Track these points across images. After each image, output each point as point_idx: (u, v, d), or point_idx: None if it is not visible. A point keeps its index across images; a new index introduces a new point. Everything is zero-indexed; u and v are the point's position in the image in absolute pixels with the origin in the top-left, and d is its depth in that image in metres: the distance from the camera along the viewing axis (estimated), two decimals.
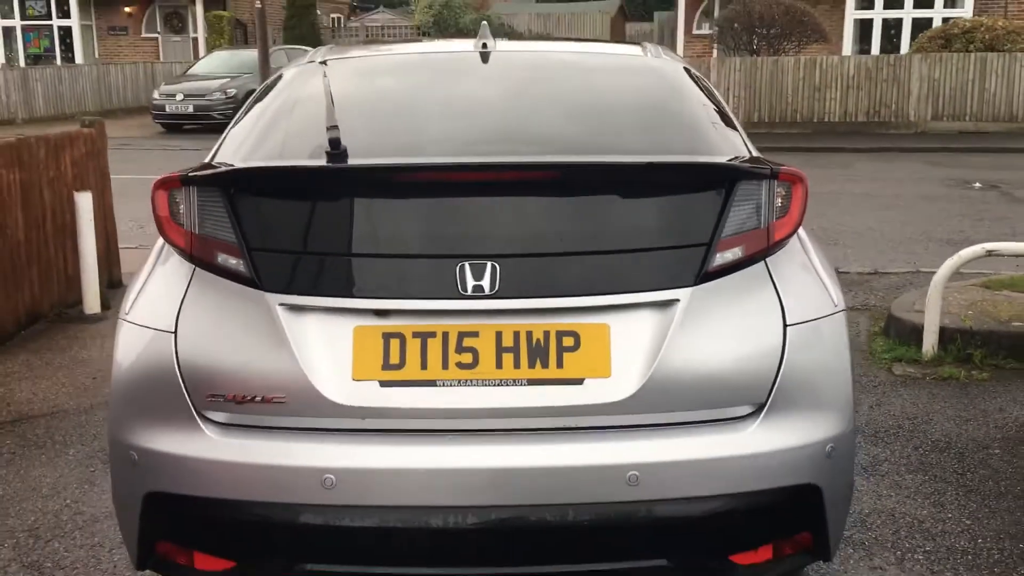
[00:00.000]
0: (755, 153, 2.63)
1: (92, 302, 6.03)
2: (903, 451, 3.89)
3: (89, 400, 4.60)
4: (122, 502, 2.39)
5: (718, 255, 2.27)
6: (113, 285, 6.52)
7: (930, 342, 4.97)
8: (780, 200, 2.34)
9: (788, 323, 2.30)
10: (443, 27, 28.94)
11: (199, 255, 2.29)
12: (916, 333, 5.09)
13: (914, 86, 16.83)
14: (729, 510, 2.25)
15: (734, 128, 2.77)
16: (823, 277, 2.48)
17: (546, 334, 2.22)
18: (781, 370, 2.27)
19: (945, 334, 5.00)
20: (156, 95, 20.20)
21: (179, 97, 19.71)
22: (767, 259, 2.34)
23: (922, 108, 16.87)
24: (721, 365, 2.25)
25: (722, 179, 2.31)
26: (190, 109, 19.58)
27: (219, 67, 20.98)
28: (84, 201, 5.92)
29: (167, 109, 19.73)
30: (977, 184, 11.02)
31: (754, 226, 2.31)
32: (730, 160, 2.45)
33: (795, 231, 2.39)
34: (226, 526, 2.27)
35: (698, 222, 2.28)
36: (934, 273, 4.96)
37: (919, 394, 4.53)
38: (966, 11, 22.52)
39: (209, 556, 2.32)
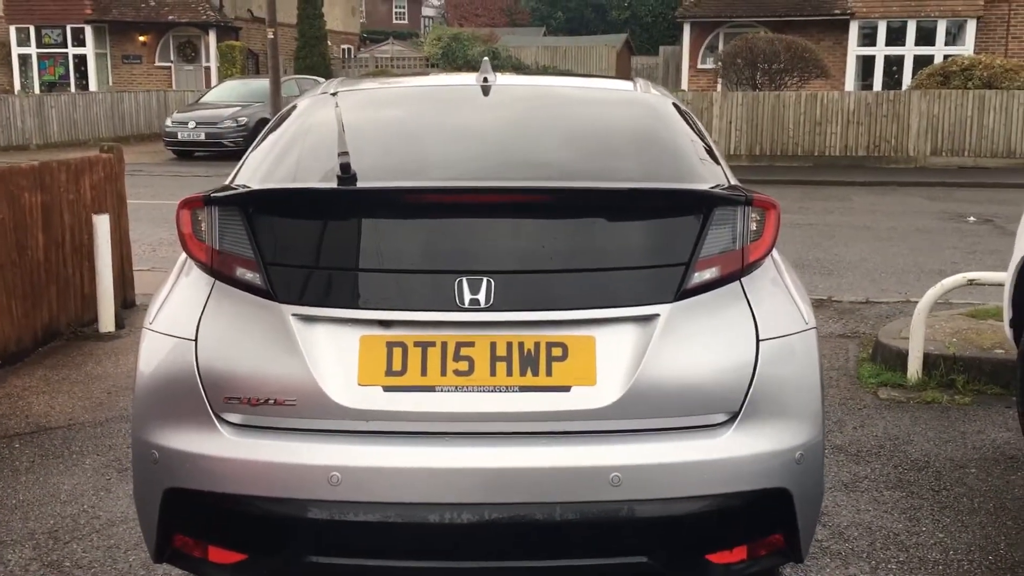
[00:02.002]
0: (733, 181, 2.83)
1: (107, 321, 6.24)
2: (883, 469, 4.05)
3: (104, 414, 4.78)
4: (143, 498, 2.57)
5: (696, 274, 2.47)
6: (127, 305, 6.73)
7: (915, 368, 5.14)
8: (755, 224, 2.54)
9: (761, 338, 2.49)
10: (451, 59, 29.34)
11: (219, 269, 2.49)
12: (902, 359, 5.27)
13: (913, 121, 17.08)
14: (705, 511, 2.42)
15: (715, 158, 2.97)
16: (795, 297, 2.67)
17: (536, 344, 2.41)
18: (754, 382, 2.46)
19: (929, 360, 5.17)
20: (168, 122, 20.53)
21: (191, 125, 20.03)
22: (742, 279, 2.53)
23: (921, 143, 17.11)
24: (698, 376, 2.43)
25: (701, 204, 2.51)
26: (202, 136, 19.91)
27: (231, 96, 21.33)
28: (102, 223, 6.14)
29: (179, 136, 20.05)
30: (971, 218, 11.20)
31: (730, 248, 2.51)
32: (709, 187, 2.65)
33: (768, 253, 2.58)
34: (239, 520, 2.45)
35: (678, 243, 2.48)
36: (919, 303, 5.14)
37: (902, 417, 4.70)
38: (967, 48, 22.85)
39: (223, 549, 2.49)
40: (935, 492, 3.83)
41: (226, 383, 2.42)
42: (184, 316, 2.53)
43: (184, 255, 2.65)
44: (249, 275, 2.46)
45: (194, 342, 2.46)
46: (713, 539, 2.49)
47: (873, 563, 3.25)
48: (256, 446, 2.40)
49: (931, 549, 3.35)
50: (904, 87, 21.19)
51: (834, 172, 16.21)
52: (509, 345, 2.40)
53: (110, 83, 29.24)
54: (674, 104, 3.27)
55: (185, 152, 20.16)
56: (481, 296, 2.39)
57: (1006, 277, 4.19)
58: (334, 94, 3.15)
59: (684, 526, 2.43)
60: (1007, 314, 4.19)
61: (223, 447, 2.40)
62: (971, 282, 5.04)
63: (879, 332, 5.78)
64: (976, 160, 16.90)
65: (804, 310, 2.65)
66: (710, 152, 3.01)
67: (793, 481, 2.49)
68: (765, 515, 2.51)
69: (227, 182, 2.83)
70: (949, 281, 5.09)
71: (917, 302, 5.15)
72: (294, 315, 2.42)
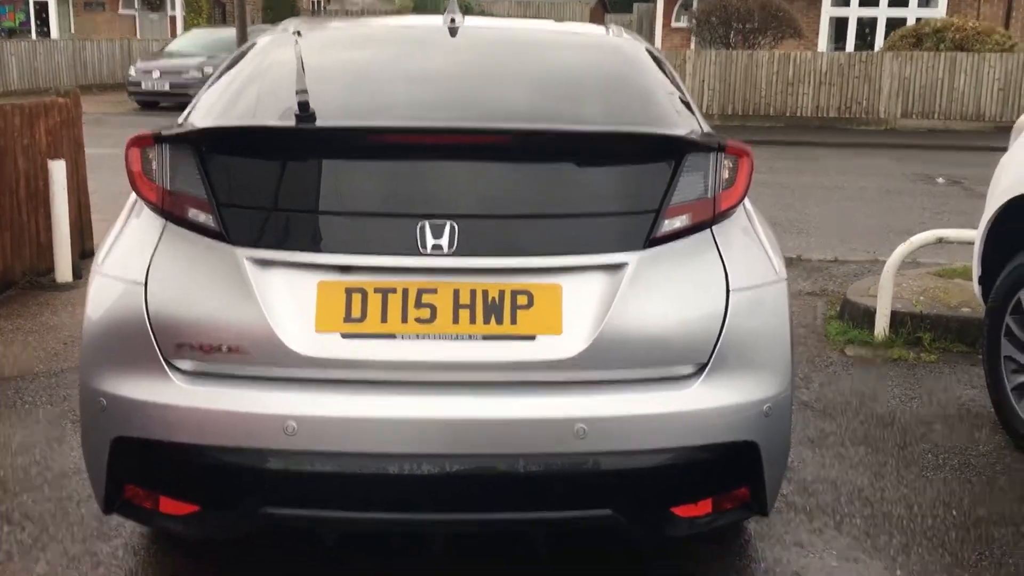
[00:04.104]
0: (707, 129, 2.75)
1: (64, 270, 6.08)
2: (849, 425, 4.04)
3: (59, 364, 4.66)
4: (90, 447, 2.48)
5: (666, 222, 2.40)
6: (85, 255, 6.56)
7: (882, 325, 5.13)
8: (727, 172, 2.47)
9: (731, 288, 2.44)
10: (424, 12, 28.93)
11: (170, 210, 2.39)
12: (869, 316, 5.26)
13: (885, 83, 17.08)
14: (671, 464, 2.38)
15: (688, 105, 2.89)
16: (767, 248, 2.61)
17: (501, 292, 2.34)
18: (723, 333, 2.40)
19: (897, 318, 5.16)
20: (132, 72, 20.11)
21: (156, 74, 19.63)
22: (713, 227, 2.47)
23: (892, 105, 17.13)
24: (666, 326, 2.38)
25: (672, 150, 2.44)
26: (166, 87, 19.51)
27: (196, 46, 20.89)
28: (58, 169, 5.96)
29: (143, 86, 19.65)
30: (940, 179, 11.25)
31: (701, 195, 2.44)
32: (682, 133, 2.57)
33: (740, 202, 2.52)
34: (191, 471, 2.37)
35: (648, 190, 2.41)
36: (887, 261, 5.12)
37: (869, 374, 4.69)
38: (940, 11, 22.85)
39: (174, 500, 2.42)
40: (900, 448, 3.82)
41: (177, 329, 2.33)
42: (134, 259, 2.42)
43: (134, 195, 2.54)
44: (202, 217, 2.36)
45: (143, 286, 2.36)
46: (679, 492, 2.46)
47: (838, 518, 3.24)
48: (209, 394, 2.32)
49: (896, 504, 3.35)
50: (876, 49, 21.17)
51: (805, 132, 16.20)
52: (473, 292, 2.33)
53: (72, 31, 28.54)
54: (647, 49, 3.18)
55: (149, 103, 19.77)
56: (444, 241, 2.31)
57: (976, 235, 4.16)
58: (295, 33, 3.03)
59: (649, 479, 2.40)
60: (976, 272, 4.17)
61: (174, 395, 2.32)
62: (941, 240, 5.02)
63: (847, 290, 5.77)
64: (946, 123, 16.96)
65: (775, 261, 2.59)
66: (683, 99, 2.93)
67: (761, 434, 2.45)
68: (732, 468, 2.48)
69: (180, 119, 2.71)
70: (919, 238, 5.07)
71: (886, 261, 5.13)
72: (249, 259, 2.33)
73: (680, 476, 2.42)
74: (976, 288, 4.23)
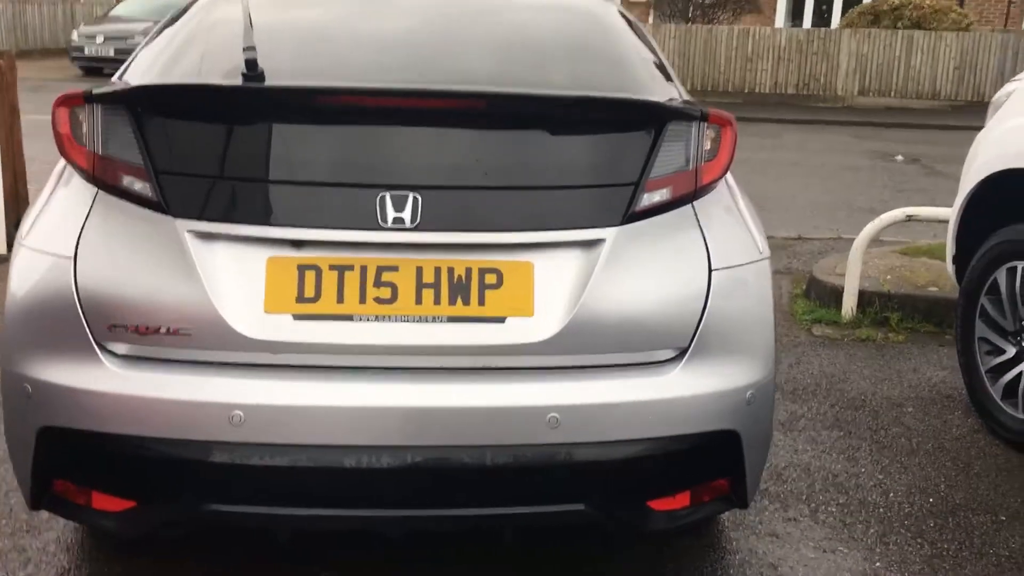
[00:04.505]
0: (686, 97, 2.58)
1: None
2: (820, 408, 3.93)
3: None
4: (15, 437, 2.26)
5: (645, 195, 2.24)
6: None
7: (849, 304, 5.03)
8: (709, 143, 2.31)
9: (713, 268, 2.28)
10: None
11: (102, 177, 2.16)
12: (836, 296, 5.16)
13: (843, 60, 17.06)
14: (649, 455, 2.24)
15: (666, 72, 2.72)
16: (749, 224, 2.46)
17: (468, 270, 2.16)
18: (705, 315, 2.25)
19: (864, 297, 5.07)
20: (75, 37, 19.42)
21: (99, 39, 18.97)
22: (694, 202, 2.32)
23: (850, 82, 17.12)
24: (645, 308, 2.22)
25: (652, 118, 2.27)
26: (111, 52, 18.84)
27: (142, 10, 20.20)
28: None
29: (86, 51, 18.99)
30: (899, 157, 11.24)
31: (682, 168, 2.27)
32: (661, 100, 2.40)
33: (723, 175, 2.37)
34: (126, 464, 2.17)
35: (626, 161, 2.24)
36: (855, 239, 5.02)
37: (837, 354, 4.59)
38: None
39: (108, 496, 2.22)
40: (873, 432, 3.72)
41: (110, 308, 2.11)
42: (62, 231, 2.19)
43: (63, 161, 2.31)
44: (138, 185, 2.14)
45: (73, 260, 2.14)
46: (656, 485, 2.32)
47: (813, 506, 3.12)
48: (146, 380, 2.11)
49: (871, 491, 3.24)
50: (834, 26, 21.18)
51: (764, 109, 16.12)
52: (437, 270, 2.14)
53: None
54: (620, 12, 3.00)
55: (93, 69, 19.10)
56: (406, 214, 2.12)
57: (950, 214, 4.06)
58: None
59: (626, 471, 2.25)
60: (950, 251, 4.07)
61: (107, 381, 2.11)
62: (910, 218, 4.94)
63: (813, 268, 5.67)
64: (902, 101, 17.00)
65: (758, 238, 2.45)
66: (660, 65, 2.75)
67: (742, 423, 2.31)
68: (711, 459, 2.34)
69: (115, 77, 2.47)
70: (887, 216, 4.98)
71: (849, 239, 5.05)
72: (190, 231, 2.12)
73: (658, 468, 2.28)
74: (950, 267, 4.13)
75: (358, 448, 2.11)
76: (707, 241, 2.30)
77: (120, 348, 2.14)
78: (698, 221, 2.31)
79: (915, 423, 3.81)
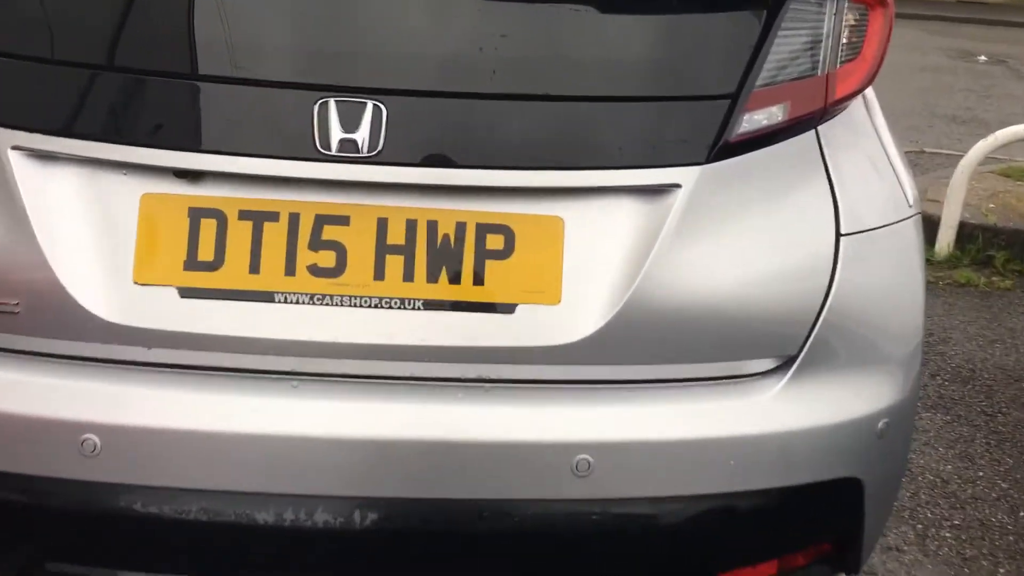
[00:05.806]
0: None
1: None
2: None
3: None
4: None
5: (746, 116, 1.46)
6: None
7: (946, 239, 4.28)
8: (849, 33, 1.50)
9: (842, 232, 1.52)
10: None
11: None
12: (929, 226, 4.34)
13: None
14: (724, 516, 1.50)
15: None
16: (894, 163, 1.67)
17: (460, 227, 1.40)
18: (828, 303, 1.50)
19: (963, 230, 4.29)
20: None
21: None
22: (819, 128, 1.53)
23: None
24: (734, 293, 1.45)
25: None
26: None
27: None
28: None
29: None
30: (982, 57, 10.30)
31: (807, 71, 1.51)
32: None
33: (867, 85, 1.57)
34: None
35: (719, 59, 1.45)
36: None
37: (932, 303, 3.81)
38: None
39: None
40: (989, 417, 2.97)
41: None
42: None
43: None
44: None
45: None
46: (731, 555, 1.58)
47: (920, 528, 2.38)
48: None
49: (995, 508, 2.48)
50: None
51: None
52: (410, 225, 1.40)
53: None
54: None
55: None
56: (361, 135, 1.37)
57: None
58: None
59: (687, 538, 1.54)
60: None
61: None
62: None
63: None
64: None
65: (908, 185, 1.66)
66: None
67: (868, 466, 1.61)
68: (817, 517, 1.61)
69: None
70: (1003, 134, 4.24)
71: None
72: (16, 148, 1.38)
73: (735, 532, 1.55)
74: None
75: (279, 497, 1.41)
76: (835, 190, 1.53)
77: None
78: (823, 158, 1.53)
79: None
